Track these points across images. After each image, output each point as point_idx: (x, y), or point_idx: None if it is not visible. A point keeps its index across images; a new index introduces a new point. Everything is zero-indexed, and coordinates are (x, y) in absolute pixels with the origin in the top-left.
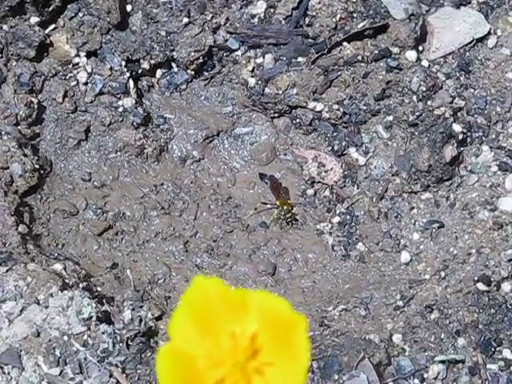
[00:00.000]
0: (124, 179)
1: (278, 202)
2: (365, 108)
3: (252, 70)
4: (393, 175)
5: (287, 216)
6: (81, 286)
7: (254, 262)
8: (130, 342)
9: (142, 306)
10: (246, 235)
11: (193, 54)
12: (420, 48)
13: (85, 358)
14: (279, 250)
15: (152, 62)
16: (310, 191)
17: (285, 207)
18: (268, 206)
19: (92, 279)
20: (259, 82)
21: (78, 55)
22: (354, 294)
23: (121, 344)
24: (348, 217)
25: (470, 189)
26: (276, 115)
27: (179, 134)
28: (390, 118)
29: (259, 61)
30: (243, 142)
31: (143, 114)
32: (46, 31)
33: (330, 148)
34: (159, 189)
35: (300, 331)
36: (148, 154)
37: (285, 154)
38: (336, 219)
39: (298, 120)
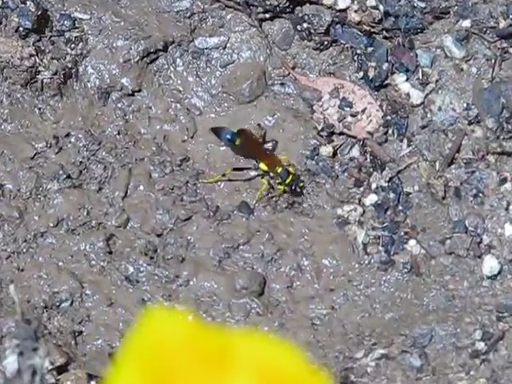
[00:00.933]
0: (2, 127)
1: (263, 165)
2: (423, 5)
3: None
4: (470, 123)
5: (284, 188)
6: None
7: (226, 273)
8: None
9: (35, 349)
10: (214, 225)
11: None
12: None
13: None
14: (271, 250)
15: None
16: (326, 150)
17: (278, 170)
18: (251, 172)
19: None
20: None
21: None
22: (402, 329)
23: None
24: (392, 195)
25: None
26: (267, 16)
27: (98, 49)
28: (467, 22)
29: None
30: (209, 62)
31: (36, 13)
32: None
33: (360, 74)
34: (63, 143)
35: None
36: (44, 82)
37: (282, 85)
38: (371, 199)
39: (305, 25)
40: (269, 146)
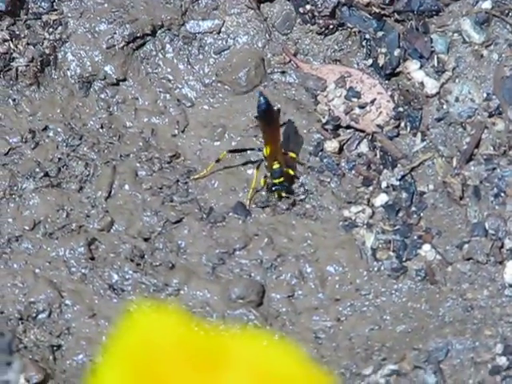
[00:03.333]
0: None
1: (266, 151)
2: None
3: None
4: (491, 115)
5: (265, 183)
6: None
7: (221, 281)
8: None
9: (9, 363)
10: (207, 228)
11: None
12: None
13: None
14: (271, 256)
15: None
16: (332, 145)
17: (273, 166)
18: (248, 164)
19: None
20: None
21: None
22: (415, 342)
23: None
24: (404, 195)
25: None
26: None
27: (79, 33)
28: (487, 3)
29: None
30: (202, 48)
31: None
32: None
33: (369, 61)
34: (40, 138)
35: None
36: (19, 70)
37: (282, 73)
38: (381, 199)
39: (308, 7)
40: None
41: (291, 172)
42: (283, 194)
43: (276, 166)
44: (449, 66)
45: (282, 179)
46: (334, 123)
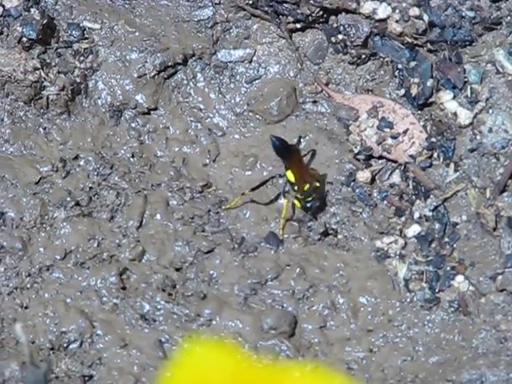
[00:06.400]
0: (3, 148)
1: (290, 174)
2: (472, 15)
3: None
4: None
5: (299, 203)
6: None
7: (253, 311)
8: None
9: None
10: (239, 258)
11: None
12: None
13: None
14: (303, 287)
15: None
16: (364, 175)
17: (304, 187)
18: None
19: None
20: None
21: None
22: (448, 374)
23: None
24: (437, 225)
25: None
26: (298, 26)
27: (109, 62)
28: None
29: None
30: (234, 77)
31: (41, 22)
32: None
33: (402, 91)
34: (71, 167)
35: None
36: (50, 99)
37: (314, 103)
38: (413, 230)
39: (340, 36)
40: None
41: (318, 184)
42: (317, 205)
43: (307, 186)
44: (482, 97)
45: (313, 196)
46: (366, 153)
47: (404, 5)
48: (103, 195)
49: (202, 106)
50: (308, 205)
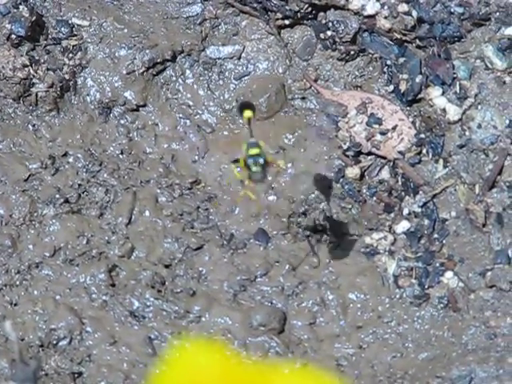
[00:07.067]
0: None
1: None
2: (460, 11)
3: None
4: None
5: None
6: None
7: (242, 308)
8: None
9: None
10: (228, 255)
11: None
12: None
13: None
14: (292, 283)
15: None
16: (353, 171)
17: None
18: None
19: None
20: None
21: None
22: (438, 370)
23: None
24: (426, 222)
25: None
26: (287, 23)
27: (98, 59)
28: (510, 30)
29: None
30: (223, 73)
31: (30, 19)
32: None
33: (391, 88)
34: (60, 164)
35: None
36: (39, 96)
37: (303, 99)
38: (402, 226)
39: (329, 32)
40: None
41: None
42: (257, 168)
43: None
44: (471, 93)
45: (258, 151)
46: (356, 150)
47: (393, 1)
48: (92, 192)
49: (190, 103)
50: (248, 162)
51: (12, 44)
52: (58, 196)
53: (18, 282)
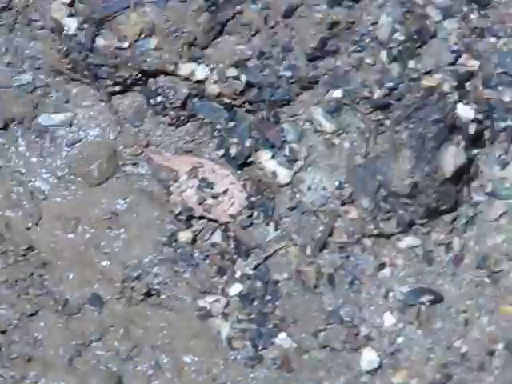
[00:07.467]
0: None
1: None
2: (289, 75)
3: (71, 4)
4: (343, 203)
5: None
6: None
7: (78, 373)
8: None
9: None
10: (63, 320)
11: None
12: None
13: None
14: (127, 347)
15: None
16: (185, 235)
17: None
18: None
19: None
20: (84, 25)
21: None
22: None
23: None
24: (259, 284)
25: (490, 229)
26: (117, 89)
27: None
28: (338, 92)
29: None
30: (54, 140)
31: None
32: None
33: (221, 152)
34: None
35: None
36: None
37: (134, 165)
38: (235, 288)
39: (159, 98)
40: None
41: None
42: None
43: None
44: (301, 155)
45: None
46: (187, 214)
47: (221, 66)
48: None
49: (23, 170)
50: None
51: None
52: None
53: None
